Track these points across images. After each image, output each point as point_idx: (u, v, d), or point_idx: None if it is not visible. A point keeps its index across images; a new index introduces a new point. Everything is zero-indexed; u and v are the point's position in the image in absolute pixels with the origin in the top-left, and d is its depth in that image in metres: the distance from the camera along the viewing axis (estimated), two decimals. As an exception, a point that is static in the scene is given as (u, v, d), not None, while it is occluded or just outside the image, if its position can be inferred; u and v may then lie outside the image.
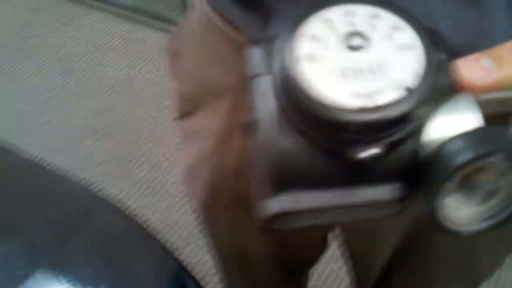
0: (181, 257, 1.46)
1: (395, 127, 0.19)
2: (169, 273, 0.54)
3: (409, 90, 0.19)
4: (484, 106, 0.21)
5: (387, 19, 0.20)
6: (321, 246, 0.68)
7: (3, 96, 1.78)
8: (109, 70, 1.85)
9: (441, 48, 0.21)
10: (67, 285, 0.48)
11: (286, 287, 0.76)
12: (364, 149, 0.18)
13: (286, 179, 0.19)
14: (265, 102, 0.20)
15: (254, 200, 0.21)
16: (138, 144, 1.59)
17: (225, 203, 0.59)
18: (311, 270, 0.82)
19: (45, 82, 1.82)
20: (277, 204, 0.20)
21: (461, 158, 0.18)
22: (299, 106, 0.19)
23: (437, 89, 0.20)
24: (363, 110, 0.18)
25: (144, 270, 0.52)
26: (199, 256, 1.30)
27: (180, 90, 0.56)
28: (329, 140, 0.19)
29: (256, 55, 0.21)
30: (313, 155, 0.19)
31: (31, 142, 1.60)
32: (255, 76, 0.20)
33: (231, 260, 0.73)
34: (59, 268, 0.50)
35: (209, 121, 0.53)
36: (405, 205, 0.20)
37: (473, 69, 0.20)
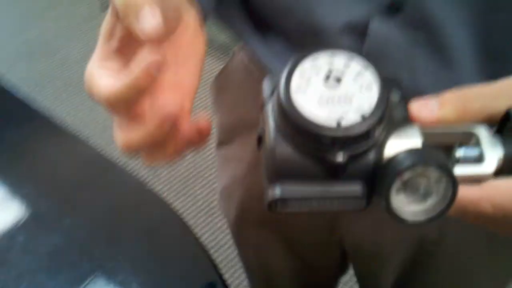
0: (226, 276, 1.53)
1: (356, 141, 0.26)
2: (200, 269, 0.61)
3: (363, 117, 0.26)
4: (431, 137, 0.29)
5: (355, 66, 0.29)
6: (338, 267, 0.74)
7: (94, 108, 1.97)
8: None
9: (399, 91, 0.29)
10: (115, 262, 0.58)
11: None
12: (336, 156, 0.26)
13: (280, 174, 0.27)
14: (269, 122, 0.28)
15: (264, 192, 0.29)
16: (203, 168, 1.72)
17: (253, 223, 0.67)
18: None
19: (130, 102, 2.01)
20: (273, 192, 0.27)
21: (402, 165, 0.26)
22: (287, 122, 0.27)
23: (394, 119, 0.28)
24: (330, 128, 0.26)
25: (177, 262, 0.61)
26: (242, 278, 1.38)
27: (220, 122, 0.64)
28: (309, 146, 0.27)
29: (266, 87, 0.30)
30: (300, 158, 0.27)
31: (109, 152, 1.76)
32: (265, 103, 0.29)
33: (257, 278, 0.80)
34: (111, 246, 0.60)
35: (243, 150, 0.60)
36: (368, 202, 0.28)
37: (422, 108, 0.29)
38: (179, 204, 1.63)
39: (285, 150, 0.27)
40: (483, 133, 0.29)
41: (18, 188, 0.66)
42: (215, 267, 0.61)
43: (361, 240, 0.60)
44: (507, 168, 0.28)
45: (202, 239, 1.53)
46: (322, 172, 0.27)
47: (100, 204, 0.65)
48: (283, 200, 0.28)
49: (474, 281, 0.60)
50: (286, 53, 0.46)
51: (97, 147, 1.94)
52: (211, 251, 1.50)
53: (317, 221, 0.61)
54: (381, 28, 0.41)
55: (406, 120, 0.28)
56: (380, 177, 0.27)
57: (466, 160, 0.29)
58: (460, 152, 0.29)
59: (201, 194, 1.65)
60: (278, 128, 0.28)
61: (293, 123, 0.27)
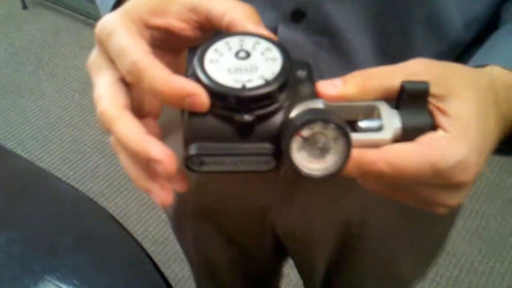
0: (171, 270, 1.54)
1: (261, 103, 0.29)
2: (142, 271, 0.63)
3: (266, 81, 0.30)
4: (334, 110, 0.31)
5: (264, 44, 0.32)
6: (275, 254, 0.78)
7: (23, 110, 1.94)
8: (121, 92, 1.99)
9: (307, 70, 0.33)
10: (58, 273, 0.59)
11: None
12: (243, 115, 0.29)
13: (196, 136, 0.31)
14: None
15: (183, 152, 0.32)
16: (143, 161, 1.72)
17: (190, 216, 0.69)
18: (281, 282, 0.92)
19: (63, 100, 1.98)
20: (190, 150, 0.31)
21: (299, 121, 0.29)
22: (202, 87, 0.30)
23: (301, 93, 0.31)
24: (236, 89, 0.29)
25: (119, 266, 0.63)
26: (187, 271, 1.40)
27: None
28: (220, 109, 0.30)
29: (190, 68, 0.33)
30: (214, 121, 0.30)
31: (42, 154, 1.74)
32: (188, 76, 0.32)
33: (200, 269, 0.83)
34: (51, 258, 0.61)
35: (175, 147, 0.63)
36: (278, 162, 0.31)
37: (327, 84, 0.32)
38: (120, 200, 1.63)
39: (200, 114, 0.30)
40: (383, 107, 0.32)
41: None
42: (157, 268, 0.63)
43: (291, 227, 0.63)
44: (404, 137, 0.32)
45: (148, 232, 1.54)
46: (234, 133, 0.30)
47: (37, 216, 0.65)
48: (198, 157, 0.31)
49: (397, 262, 0.65)
50: None
51: (30, 149, 1.90)
52: (158, 244, 1.51)
53: (249, 210, 0.64)
54: (288, 34, 0.44)
55: (312, 96, 0.32)
56: (283, 133, 0.30)
57: (367, 130, 0.32)
58: (362, 123, 0.32)
59: (142, 188, 1.65)
60: None
61: (205, 88, 0.30)
